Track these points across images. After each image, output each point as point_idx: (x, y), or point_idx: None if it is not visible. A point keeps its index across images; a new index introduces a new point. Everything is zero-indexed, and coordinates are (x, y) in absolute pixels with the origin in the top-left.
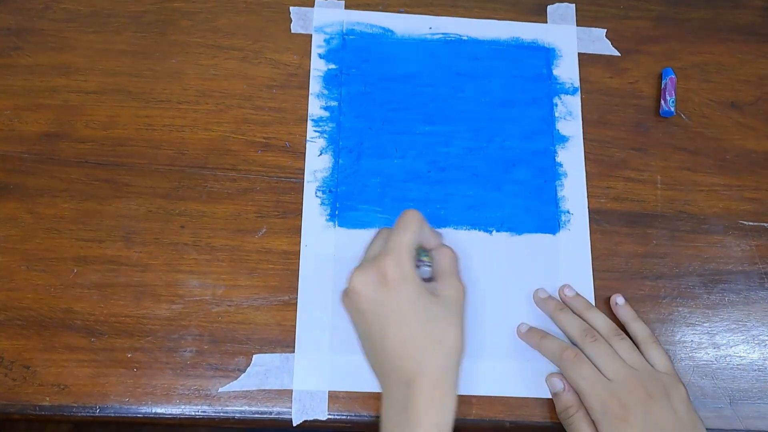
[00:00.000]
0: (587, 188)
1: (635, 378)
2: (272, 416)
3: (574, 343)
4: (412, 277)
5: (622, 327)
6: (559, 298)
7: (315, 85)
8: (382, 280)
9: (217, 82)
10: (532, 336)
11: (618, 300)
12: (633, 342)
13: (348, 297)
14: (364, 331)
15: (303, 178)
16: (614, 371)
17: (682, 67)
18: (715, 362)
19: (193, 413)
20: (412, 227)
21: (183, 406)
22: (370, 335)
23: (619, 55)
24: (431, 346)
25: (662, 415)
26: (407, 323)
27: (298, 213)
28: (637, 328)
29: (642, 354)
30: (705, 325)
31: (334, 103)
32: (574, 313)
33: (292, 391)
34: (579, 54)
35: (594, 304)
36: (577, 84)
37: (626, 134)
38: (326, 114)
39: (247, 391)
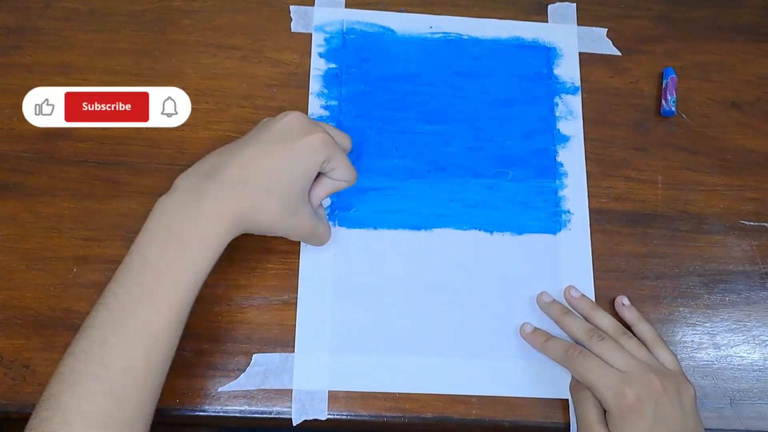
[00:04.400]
0: (588, 188)
1: (648, 370)
2: (272, 416)
3: (580, 345)
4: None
5: (628, 328)
6: (561, 299)
7: (315, 85)
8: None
9: (217, 81)
10: (536, 338)
11: (623, 301)
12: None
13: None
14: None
15: None
16: (626, 364)
17: (683, 67)
18: (716, 362)
19: (193, 413)
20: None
21: (183, 406)
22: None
23: (620, 54)
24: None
25: (671, 411)
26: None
27: None
28: (643, 328)
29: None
30: (706, 325)
31: (334, 103)
32: (580, 314)
33: (291, 390)
34: (580, 53)
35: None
36: (577, 83)
37: (627, 134)
38: (326, 113)
39: (246, 390)
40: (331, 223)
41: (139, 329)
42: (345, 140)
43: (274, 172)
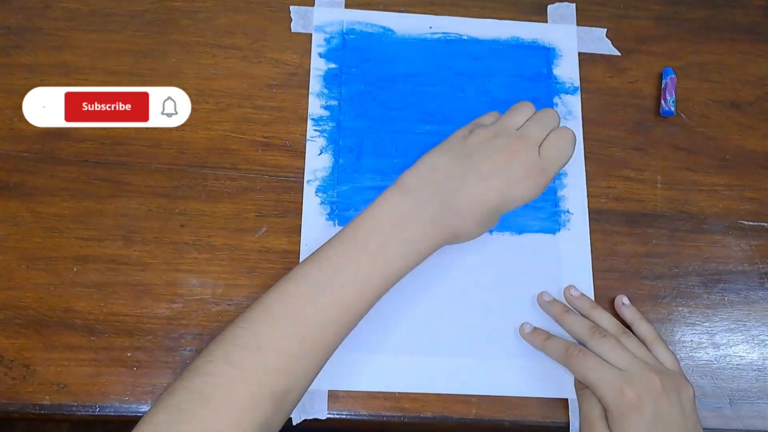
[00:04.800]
0: (587, 188)
1: (648, 369)
2: None
3: (581, 344)
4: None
5: (628, 327)
6: (561, 298)
7: (315, 85)
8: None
9: (217, 82)
10: (536, 337)
11: (623, 300)
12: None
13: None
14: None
15: (303, 178)
16: (626, 363)
17: (683, 67)
18: (715, 362)
19: None
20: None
21: None
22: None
23: (620, 54)
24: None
25: (670, 411)
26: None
27: (298, 212)
28: (643, 328)
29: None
30: (705, 324)
31: (334, 103)
32: (580, 313)
33: None
34: (579, 53)
35: None
36: (577, 83)
37: (626, 134)
38: (326, 113)
39: None
40: (330, 222)
41: (335, 302)
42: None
43: (491, 206)
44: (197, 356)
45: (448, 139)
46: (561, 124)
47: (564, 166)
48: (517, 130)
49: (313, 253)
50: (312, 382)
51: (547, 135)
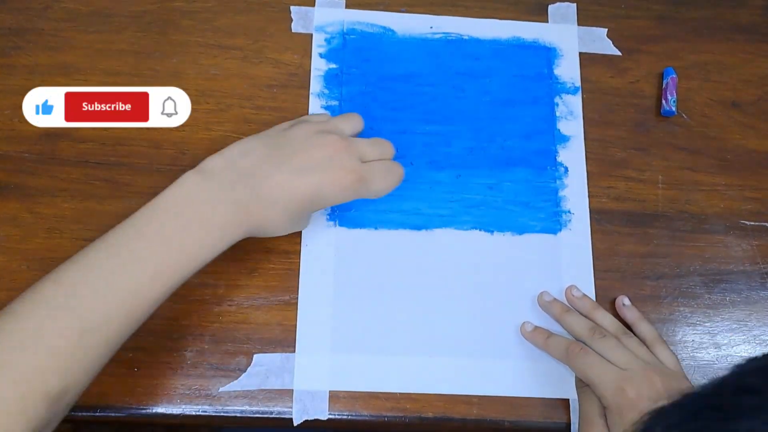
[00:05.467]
0: (588, 188)
1: (650, 369)
2: (273, 416)
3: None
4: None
5: (629, 328)
6: (562, 299)
7: (316, 85)
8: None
9: (218, 82)
10: (537, 336)
11: (624, 301)
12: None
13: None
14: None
15: None
16: (627, 362)
17: (683, 67)
18: (717, 362)
19: (194, 413)
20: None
21: (183, 406)
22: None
23: (620, 54)
24: None
25: None
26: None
27: None
28: (644, 328)
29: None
30: (706, 324)
31: (334, 103)
32: (581, 313)
33: (292, 390)
34: (580, 53)
35: None
36: (578, 83)
37: (627, 134)
38: (327, 113)
39: (247, 390)
40: (331, 223)
41: (123, 293)
42: (357, 126)
43: (302, 200)
44: None
45: (267, 130)
46: (559, 124)
47: (380, 193)
48: (344, 137)
49: (101, 237)
50: (95, 376)
51: (376, 160)
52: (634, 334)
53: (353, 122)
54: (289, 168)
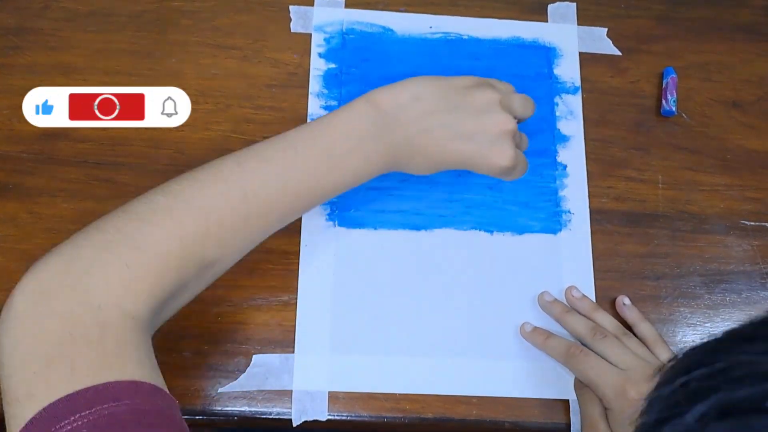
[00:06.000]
0: (588, 188)
1: (650, 369)
2: (272, 417)
3: (582, 344)
4: None
5: (629, 328)
6: (562, 299)
7: (315, 85)
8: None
9: (217, 82)
10: (536, 336)
11: (624, 301)
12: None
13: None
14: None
15: None
16: (627, 363)
17: (684, 67)
18: None
19: (193, 413)
20: None
21: (183, 407)
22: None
23: (620, 54)
24: None
25: None
26: None
27: None
28: (645, 328)
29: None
30: (706, 325)
31: (334, 103)
32: (581, 314)
33: (291, 391)
34: (580, 53)
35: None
36: (578, 83)
37: (627, 134)
38: (326, 113)
39: (246, 391)
40: (330, 223)
41: (284, 190)
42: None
43: (453, 161)
44: (138, 198)
45: (449, 78)
46: (559, 123)
47: (510, 180)
48: (514, 121)
49: (281, 134)
50: (236, 262)
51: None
52: (635, 335)
53: (527, 107)
54: (455, 131)
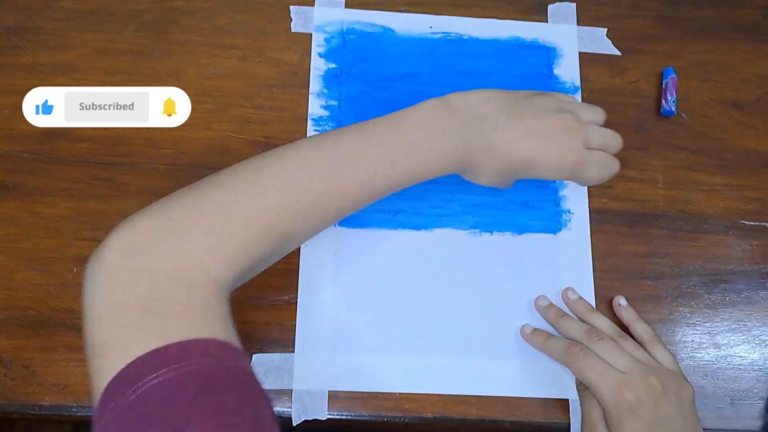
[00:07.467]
0: (588, 188)
1: (648, 371)
2: None
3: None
4: None
5: (625, 329)
6: (560, 299)
7: (315, 85)
8: None
9: (217, 81)
10: (536, 337)
11: (620, 301)
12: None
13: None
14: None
15: None
16: (625, 365)
17: (683, 67)
18: (716, 362)
19: None
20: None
21: None
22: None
23: (620, 54)
24: None
25: (670, 412)
26: None
27: None
28: (641, 329)
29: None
30: (706, 325)
31: (334, 103)
32: (577, 316)
33: (291, 390)
34: (580, 53)
35: (594, 304)
36: (577, 83)
37: (627, 134)
38: (326, 113)
39: None
40: None
41: (355, 174)
42: (598, 116)
43: (519, 162)
44: (223, 170)
45: (515, 91)
46: None
47: (592, 183)
48: (578, 119)
49: (359, 123)
50: (306, 240)
51: (598, 150)
52: (631, 335)
53: (596, 112)
54: (519, 128)
